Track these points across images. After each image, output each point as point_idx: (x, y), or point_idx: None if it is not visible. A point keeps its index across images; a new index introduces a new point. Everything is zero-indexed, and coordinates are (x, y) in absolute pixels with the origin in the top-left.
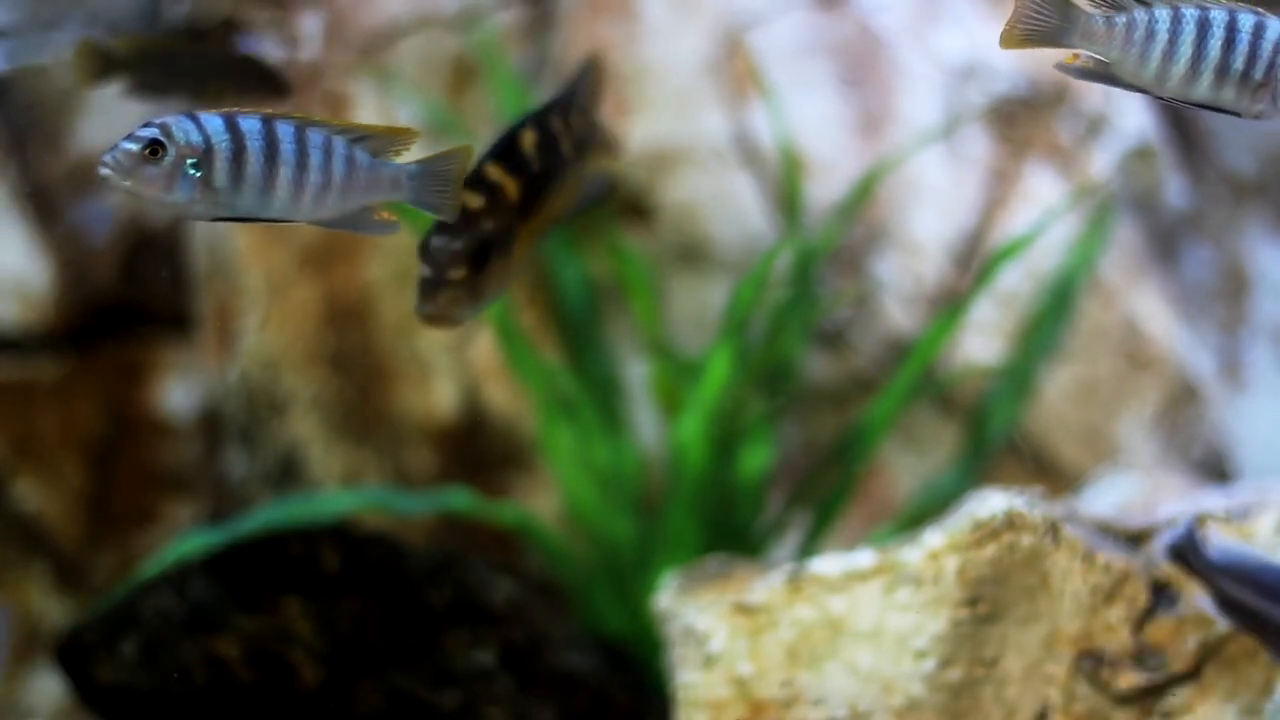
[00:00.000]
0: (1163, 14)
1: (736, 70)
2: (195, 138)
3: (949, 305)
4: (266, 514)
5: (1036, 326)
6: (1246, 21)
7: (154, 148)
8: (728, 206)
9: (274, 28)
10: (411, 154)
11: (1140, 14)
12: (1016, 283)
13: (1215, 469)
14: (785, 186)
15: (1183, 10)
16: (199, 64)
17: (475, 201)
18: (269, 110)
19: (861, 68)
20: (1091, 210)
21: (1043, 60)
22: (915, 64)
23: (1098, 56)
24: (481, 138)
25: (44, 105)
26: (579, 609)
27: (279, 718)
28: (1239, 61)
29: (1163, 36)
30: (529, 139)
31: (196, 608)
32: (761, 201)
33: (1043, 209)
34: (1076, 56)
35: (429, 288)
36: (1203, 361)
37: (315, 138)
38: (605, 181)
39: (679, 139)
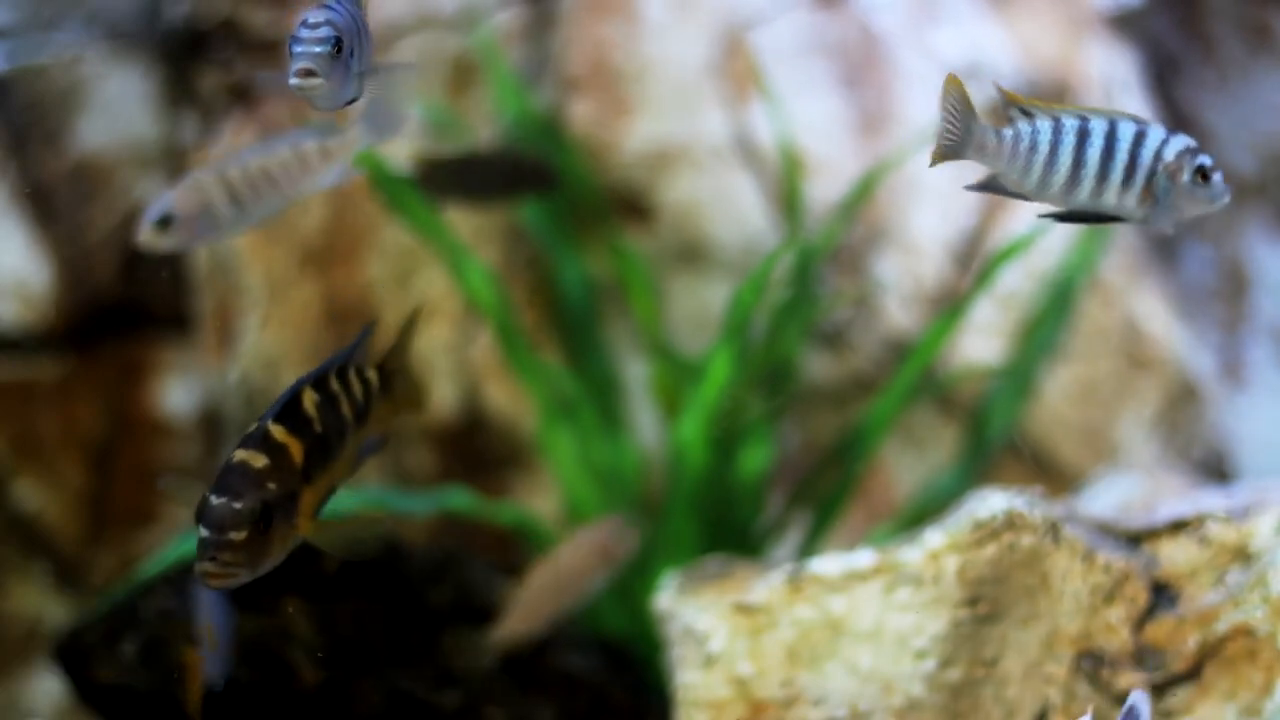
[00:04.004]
0: (1044, 125)
1: (736, 70)
2: (345, 26)
3: (949, 305)
4: None
5: (1036, 326)
6: (1127, 130)
7: (336, 45)
8: (728, 206)
9: (273, 28)
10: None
11: (1024, 126)
12: (1016, 283)
13: (1215, 469)
14: (785, 186)
15: (1063, 121)
16: (482, 171)
17: (259, 461)
18: None
19: (861, 68)
20: None
21: (1044, 61)
22: (915, 64)
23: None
24: (482, 138)
25: (44, 105)
26: (579, 609)
27: (279, 717)
28: (1118, 169)
29: (1044, 148)
30: (309, 400)
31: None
32: (761, 201)
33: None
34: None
35: (208, 548)
36: (1203, 361)
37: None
38: (376, 440)
39: (679, 139)
